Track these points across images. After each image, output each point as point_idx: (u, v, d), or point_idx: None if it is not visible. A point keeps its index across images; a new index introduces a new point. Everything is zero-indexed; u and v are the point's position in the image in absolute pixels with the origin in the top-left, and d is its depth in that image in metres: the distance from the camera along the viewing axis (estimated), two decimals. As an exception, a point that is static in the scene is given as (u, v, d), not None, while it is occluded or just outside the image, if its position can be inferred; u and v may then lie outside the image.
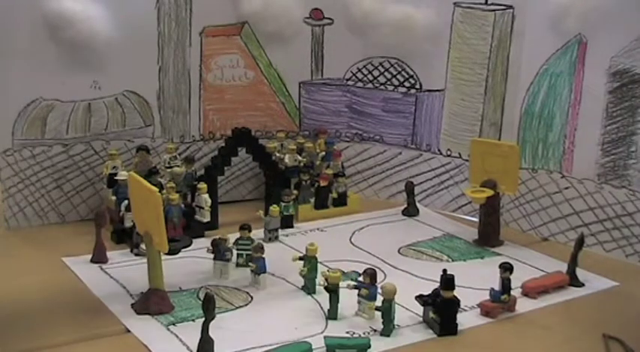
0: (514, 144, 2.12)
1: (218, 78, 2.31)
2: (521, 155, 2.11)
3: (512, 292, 1.69)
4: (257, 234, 1.97)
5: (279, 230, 2.09)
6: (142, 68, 2.18)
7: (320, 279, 1.71)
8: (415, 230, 2.19)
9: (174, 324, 1.61)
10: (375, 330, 1.59)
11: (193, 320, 1.61)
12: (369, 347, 1.51)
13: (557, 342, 1.59)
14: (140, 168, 2.07)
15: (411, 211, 2.29)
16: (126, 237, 1.98)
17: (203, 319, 1.47)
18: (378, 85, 2.41)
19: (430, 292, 1.63)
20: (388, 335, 1.58)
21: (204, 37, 2.26)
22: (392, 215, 2.29)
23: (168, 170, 2.13)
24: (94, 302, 1.70)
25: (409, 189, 2.29)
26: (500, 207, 2.10)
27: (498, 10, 2.19)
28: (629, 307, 1.75)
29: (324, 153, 2.35)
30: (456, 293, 1.60)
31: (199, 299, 1.69)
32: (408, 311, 1.66)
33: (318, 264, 1.77)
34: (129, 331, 1.58)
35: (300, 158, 2.30)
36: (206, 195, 2.06)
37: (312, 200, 2.26)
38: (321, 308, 1.69)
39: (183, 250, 1.97)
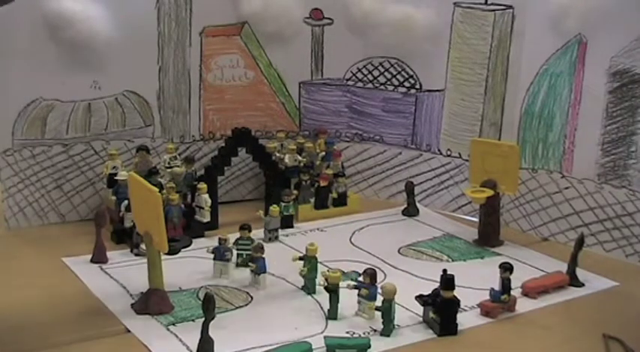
0: (514, 144, 2.12)
1: (218, 78, 2.31)
2: (521, 155, 2.11)
3: (512, 292, 1.69)
4: (257, 234, 1.97)
5: (279, 230, 2.09)
6: (141, 68, 2.18)
7: (320, 279, 1.71)
8: (415, 230, 2.19)
9: (174, 324, 1.61)
10: (375, 330, 1.59)
11: (193, 320, 1.61)
12: (369, 347, 1.51)
13: (557, 342, 1.59)
14: (140, 168, 2.07)
15: (411, 211, 2.29)
16: (126, 237, 1.98)
17: (203, 319, 1.47)
18: (378, 85, 2.41)
19: (430, 292, 1.63)
20: (388, 335, 1.58)
21: (204, 37, 2.26)
22: (392, 215, 2.29)
23: (168, 170, 2.13)
24: (94, 302, 1.70)
25: (409, 189, 2.29)
26: (500, 207, 2.10)
27: (498, 10, 2.19)
28: (629, 307, 1.75)
29: (324, 153, 2.34)
30: (456, 293, 1.60)
31: (199, 299, 1.69)
32: (408, 311, 1.66)
33: (318, 264, 1.77)
34: (129, 331, 1.58)
35: (300, 158, 2.30)
36: (206, 195, 2.06)
37: (312, 200, 2.26)
38: (321, 308, 1.69)
39: (183, 250, 1.97)
